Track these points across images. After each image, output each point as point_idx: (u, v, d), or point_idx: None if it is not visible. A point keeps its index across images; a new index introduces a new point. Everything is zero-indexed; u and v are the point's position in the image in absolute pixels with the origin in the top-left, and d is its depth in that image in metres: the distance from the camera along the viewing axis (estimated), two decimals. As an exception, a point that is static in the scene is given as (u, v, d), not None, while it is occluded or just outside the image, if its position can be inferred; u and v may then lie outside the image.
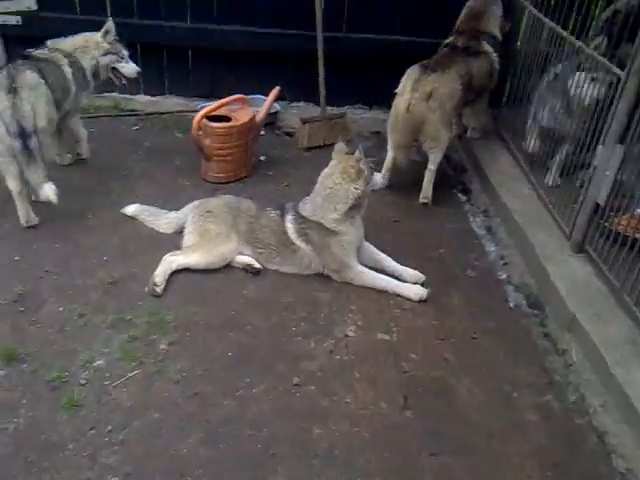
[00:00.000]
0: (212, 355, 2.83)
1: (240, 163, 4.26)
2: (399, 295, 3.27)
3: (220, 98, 4.85)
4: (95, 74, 4.14)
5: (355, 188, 3.22)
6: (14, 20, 4.85)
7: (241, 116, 4.21)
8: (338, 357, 2.88)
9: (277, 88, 4.50)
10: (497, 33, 4.37)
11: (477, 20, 4.34)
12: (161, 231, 3.64)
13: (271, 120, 5.04)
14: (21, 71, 3.53)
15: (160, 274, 3.19)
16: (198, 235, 3.40)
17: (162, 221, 3.65)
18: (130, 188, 4.10)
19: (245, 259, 3.39)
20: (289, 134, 5.09)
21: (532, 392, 2.78)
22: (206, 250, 3.34)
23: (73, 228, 3.62)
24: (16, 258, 3.35)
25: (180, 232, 3.53)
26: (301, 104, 5.41)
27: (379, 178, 3.39)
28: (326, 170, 3.35)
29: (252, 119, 4.25)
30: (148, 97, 5.24)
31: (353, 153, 3.26)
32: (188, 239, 3.42)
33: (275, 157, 4.68)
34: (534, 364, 2.94)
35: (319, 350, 2.90)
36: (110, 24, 4.05)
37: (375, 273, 3.35)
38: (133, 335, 2.88)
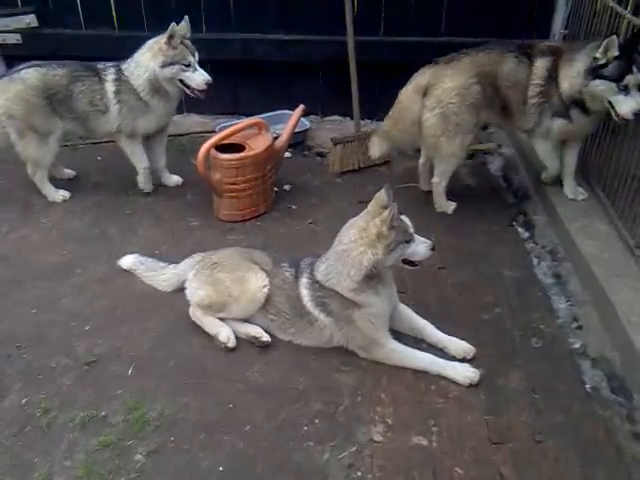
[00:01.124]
0: (198, 470, 2.24)
1: (257, 198, 3.63)
2: (443, 377, 2.60)
3: (244, 115, 4.30)
4: (157, 90, 3.51)
5: (373, 254, 2.52)
6: (14, 39, 4.45)
7: (257, 144, 3.57)
8: (359, 474, 2.23)
9: (301, 107, 3.84)
10: (563, 82, 3.32)
11: (561, 47, 3.50)
12: (159, 289, 3.08)
13: (300, 139, 4.42)
14: (26, 67, 3.53)
15: (221, 332, 2.74)
16: (210, 287, 2.79)
17: (160, 277, 3.09)
18: (131, 230, 3.59)
19: (250, 330, 2.77)
20: (321, 154, 4.43)
21: (619, 529, 2.07)
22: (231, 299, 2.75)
23: (58, 289, 3.11)
24: (-16, 331, 2.86)
25: (181, 290, 2.96)
26: (335, 118, 4.79)
27: (424, 248, 2.57)
28: (352, 220, 2.67)
29: (270, 147, 3.60)
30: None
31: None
32: (198, 296, 2.82)
33: (301, 185, 4.05)
34: (621, 481, 2.22)
35: (334, 463, 2.26)
36: (174, 26, 3.37)
37: (412, 351, 2.67)
38: (104, 441, 2.31)
